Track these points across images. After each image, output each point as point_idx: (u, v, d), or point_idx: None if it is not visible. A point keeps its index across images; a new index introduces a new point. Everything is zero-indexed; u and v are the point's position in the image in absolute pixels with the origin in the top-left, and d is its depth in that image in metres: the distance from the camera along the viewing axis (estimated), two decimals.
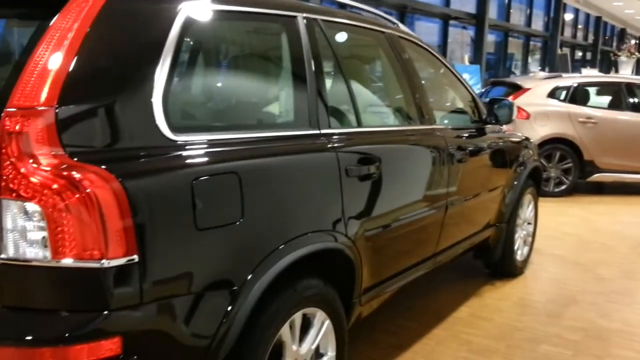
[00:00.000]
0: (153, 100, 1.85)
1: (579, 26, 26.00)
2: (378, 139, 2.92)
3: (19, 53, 2.01)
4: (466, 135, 3.82)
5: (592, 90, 8.59)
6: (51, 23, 1.76)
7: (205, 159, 1.95)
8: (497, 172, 4.26)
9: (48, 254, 1.62)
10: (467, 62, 14.31)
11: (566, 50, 21.94)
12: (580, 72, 14.95)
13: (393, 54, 3.31)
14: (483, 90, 9.66)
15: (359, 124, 2.84)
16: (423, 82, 3.48)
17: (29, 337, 1.62)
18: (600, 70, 20.88)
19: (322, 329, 2.44)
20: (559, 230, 6.33)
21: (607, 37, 29.36)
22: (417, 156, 3.23)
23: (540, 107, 8.08)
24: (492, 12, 16.94)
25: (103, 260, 1.63)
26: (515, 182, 4.42)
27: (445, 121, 3.67)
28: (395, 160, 2.95)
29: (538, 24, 21.70)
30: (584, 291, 4.49)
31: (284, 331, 2.23)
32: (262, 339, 2.11)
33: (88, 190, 1.61)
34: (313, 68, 2.52)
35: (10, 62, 2.23)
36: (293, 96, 2.50)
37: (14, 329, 1.64)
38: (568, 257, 5.39)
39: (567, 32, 24.17)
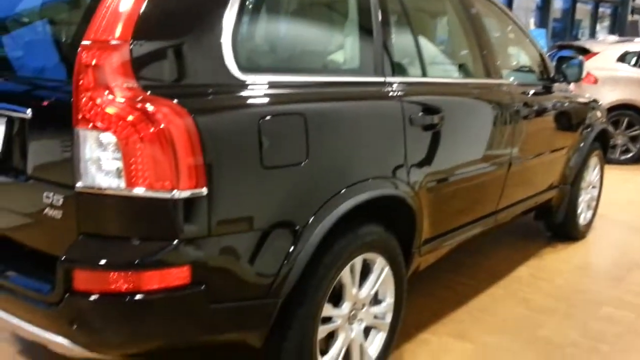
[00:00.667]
0: (222, 40, 1.88)
1: None
2: (443, 90, 2.89)
3: None
4: (532, 92, 3.72)
5: None
6: None
7: (272, 99, 1.97)
8: (563, 132, 4.14)
9: (122, 183, 1.68)
10: (532, 27, 13.93)
11: (637, 18, 21.01)
12: None
13: (460, 6, 3.25)
14: (549, 54, 9.38)
15: (424, 75, 2.81)
16: (490, 36, 3.40)
17: (102, 262, 1.70)
18: None
19: (381, 275, 2.45)
20: (624, 197, 6.16)
21: None
22: (481, 110, 3.18)
23: (609, 71, 7.81)
24: None
25: (174, 191, 1.68)
26: (582, 144, 4.30)
27: (512, 77, 3.58)
28: (459, 112, 2.92)
29: None
30: None
31: (345, 274, 2.26)
32: (323, 280, 2.14)
33: (162, 124, 1.66)
34: (379, 16, 2.50)
35: (83, 4, 2.28)
36: (359, 43, 2.49)
37: (89, 254, 1.72)
38: (633, 223, 5.24)
39: None
